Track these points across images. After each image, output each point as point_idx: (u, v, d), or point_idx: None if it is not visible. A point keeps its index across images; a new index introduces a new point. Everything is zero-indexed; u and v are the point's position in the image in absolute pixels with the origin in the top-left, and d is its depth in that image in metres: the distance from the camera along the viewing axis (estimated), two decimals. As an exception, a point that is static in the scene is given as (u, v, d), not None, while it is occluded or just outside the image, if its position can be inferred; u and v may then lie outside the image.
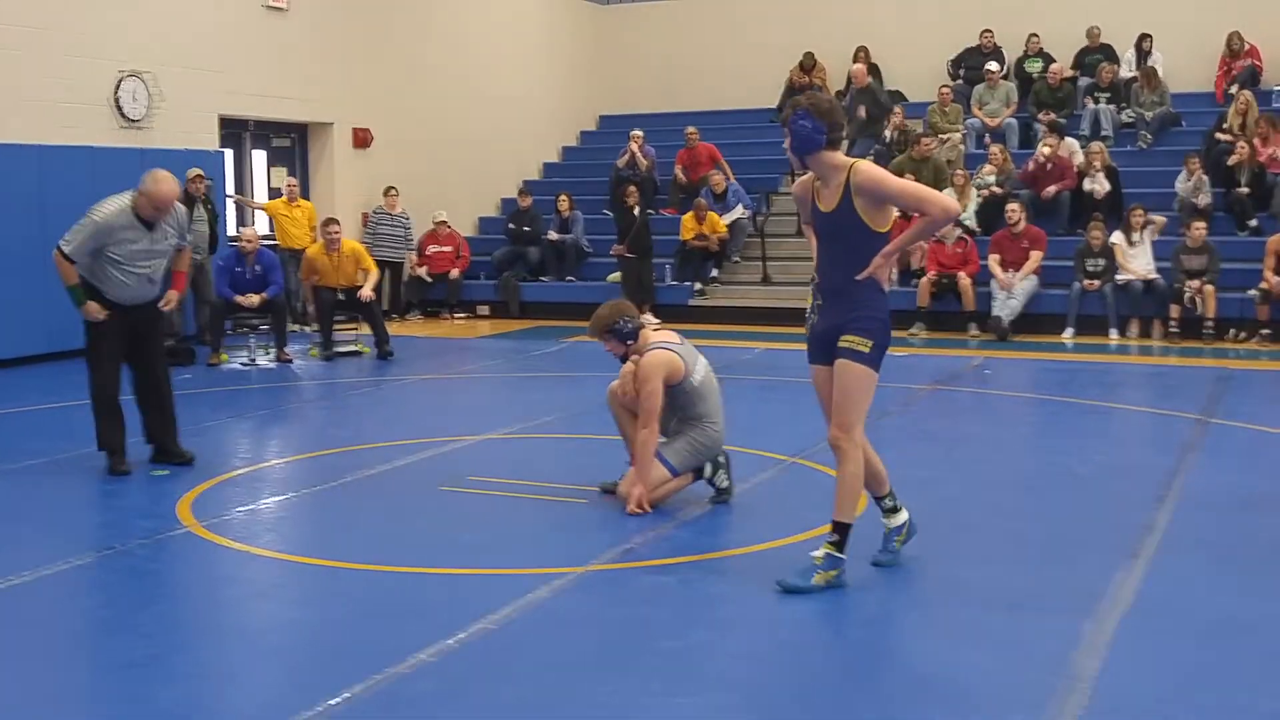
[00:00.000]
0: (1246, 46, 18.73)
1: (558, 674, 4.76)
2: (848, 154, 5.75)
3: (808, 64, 21.00)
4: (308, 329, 15.07)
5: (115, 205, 7.95)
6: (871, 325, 5.56)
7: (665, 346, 7.07)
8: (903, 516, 6.04)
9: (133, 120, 14.33)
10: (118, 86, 14.18)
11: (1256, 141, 16.16)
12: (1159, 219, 15.21)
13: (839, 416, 5.63)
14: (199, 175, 13.99)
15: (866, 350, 5.54)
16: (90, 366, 8.16)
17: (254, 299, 13.05)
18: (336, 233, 13.75)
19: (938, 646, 5.05)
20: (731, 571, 6.04)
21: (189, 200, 13.91)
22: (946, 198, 5.62)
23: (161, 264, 8.15)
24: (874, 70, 20.70)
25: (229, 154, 16.32)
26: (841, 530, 5.63)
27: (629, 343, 7.15)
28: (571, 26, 22.44)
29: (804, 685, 4.72)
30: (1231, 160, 15.91)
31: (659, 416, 6.96)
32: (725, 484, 7.21)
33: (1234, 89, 17.96)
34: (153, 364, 8.30)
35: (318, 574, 6.09)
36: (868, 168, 5.53)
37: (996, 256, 15.24)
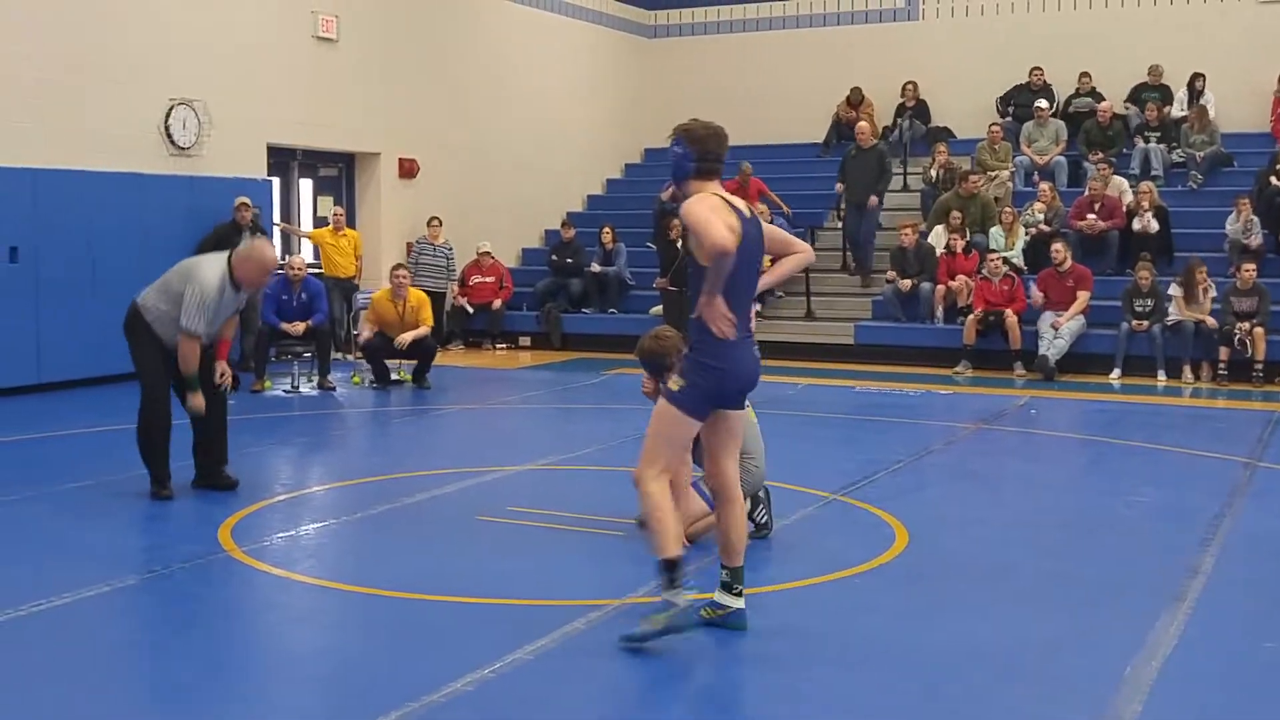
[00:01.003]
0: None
1: (593, 706, 4.74)
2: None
3: (855, 99, 21.02)
4: (350, 357, 15.11)
5: (214, 275, 7.90)
6: (690, 366, 5.33)
7: None
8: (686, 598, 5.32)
9: (182, 148, 14.46)
10: (168, 114, 14.32)
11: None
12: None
13: (642, 452, 5.43)
14: (245, 203, 14.10)
15: (675, 389, 5.31)
16: (144, 391, 8.19)
17: (299, 326, 13.12)
18: (404, 277, 13.68)
19: (979, 685, 4.99)
20: (769, 607, 5.99)
21: (236, 228, 14.04)
22: (720, 236, 5.01)
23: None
24: (921, 106, 20.74)
25: (276, 182, 16.45)
26: (664, 568, 5.29)
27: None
28: (618, 59, 22.53)
29: (842, 724, 4.67)
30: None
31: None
32: (765, 519, 7.16)
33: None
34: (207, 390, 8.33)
35: (356, 601, 6.08)
36: (693, 198, 5.26)
37: (1042, 295, 15.13)
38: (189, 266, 8.05)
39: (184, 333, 7.81)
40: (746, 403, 7.11)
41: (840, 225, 18.34)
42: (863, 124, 18.21)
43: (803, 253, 5.81)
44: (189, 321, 7.78)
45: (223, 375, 8.23)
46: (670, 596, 5.23)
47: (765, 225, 5.65)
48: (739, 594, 5.52)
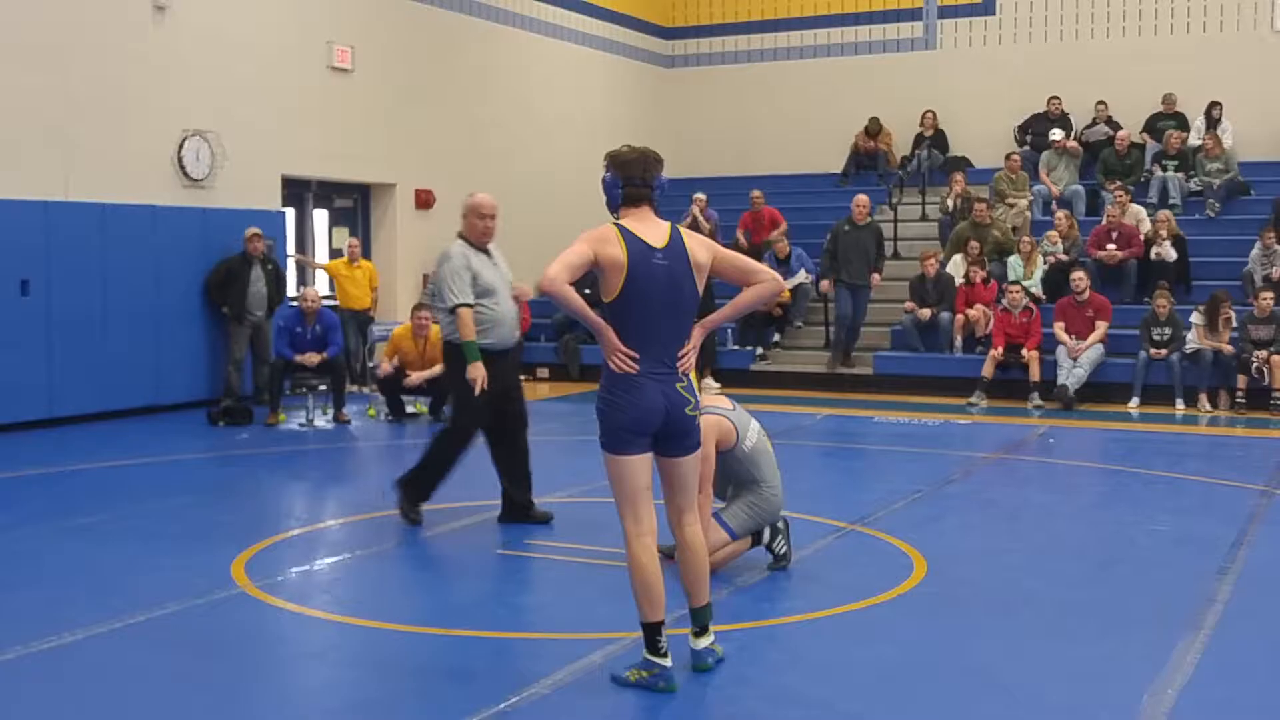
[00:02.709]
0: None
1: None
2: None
3: (873, 129, 21.07)
4: (365, 390, 15.11)
5: (452, 247, 8.07)
6: (597, 403, 5.21)
7: (716, 411, 6.98)
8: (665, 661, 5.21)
9: (195, 180, 14.51)
10: (181, 146, 14.36)
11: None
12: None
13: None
14: (257, 234, 14.14)
15: (599, 437, 5.22)
16: (459, 412, 8.18)
17: (314, 358, 13.13)
18: (425, 319, 13.65)
19: (997, 715, 4.94)
20: (788, 639, 5.97)
21: (247, 260, 14.09)
22: (548, 272, 4.96)
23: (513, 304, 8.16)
24: (939, 135, 20.76)
25: (291, 213, 16.50)
26: (644, 631, 5.17)
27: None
28: (635, 89, 22.60)
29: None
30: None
31: (713, 482, 6.89)
32: (784, 550, 7.12)
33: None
34: (517, 419, 8.33)
35: (372, 636, 6.05)
36: (586, 232, 5.20)
37: (1061, 324, 15.09)
38: (437, 261, 8.18)
39: (456, 309, 7.83)
40: (758, 430, 7.09)
41: (825, 299, 17.30)
42: (861, 198, 16.73)
43: (767, 282, 5.45)
44: (453, 296, 7.83)
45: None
46: (650, 656, 5.14)
47: (726, 254, 5.48)
48: (701, 631, 5.39)
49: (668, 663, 5.12)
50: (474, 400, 7.84)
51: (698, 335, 5.30)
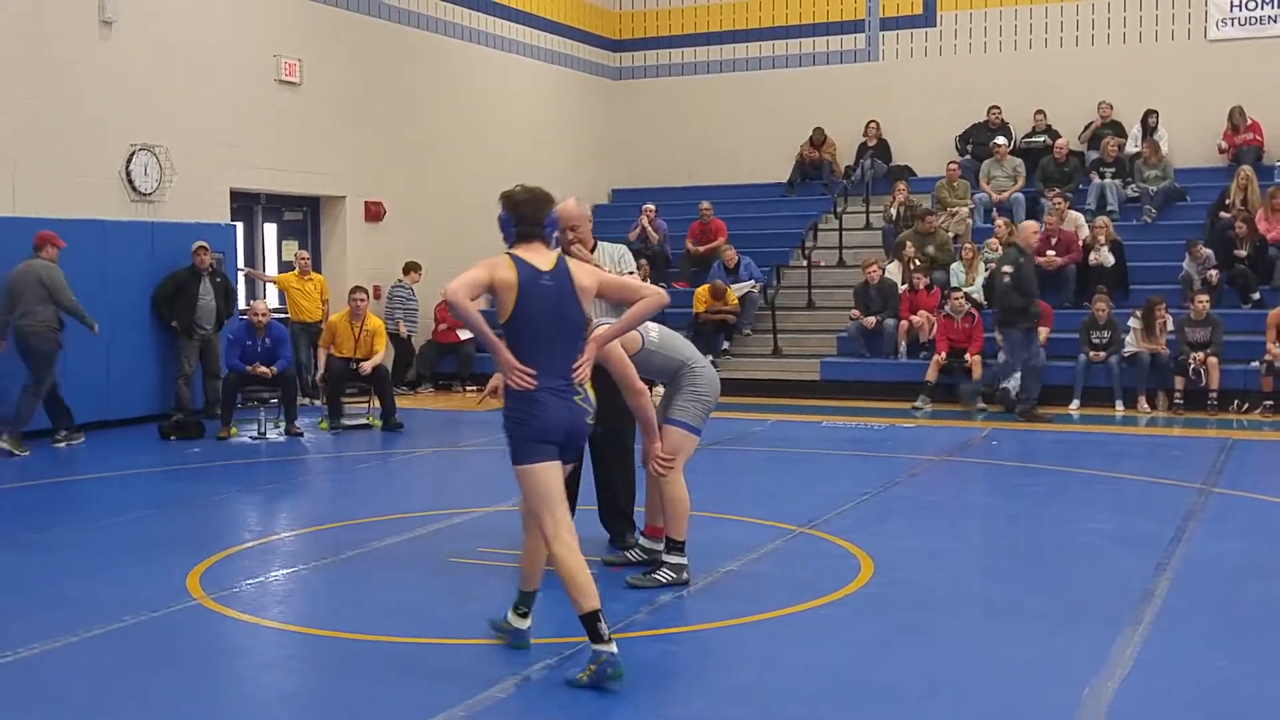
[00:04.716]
0: (1249, 122, 18.94)
1: (563, 742, 4.82)
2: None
3: (817, 139, 21.29)
4: (317, 402, 15.16)
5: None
6: (505, 426, 5.58)
7: (606, 323, 7.04)
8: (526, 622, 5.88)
9: (144, 194, 14.48)
10: (129, 160, 14.34)
11: (1259, 216, 16.33)
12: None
13: None
14: (203, 247, 14.13)
15: (510, 453, 5.56)
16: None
17: (267, 371, 13.15)
18: (362, 300, 13.84)
19: (941, 712, 5.09)
20: (739, 640, 6.10)
21: (195, 274, 14.11)
22: (454, 283, 5.46)
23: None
24: (882, 145, 21.01)
25: (240, 227, 16.50)
26: (585, 623, 5.38)
27: None
28: (585, 101, 22.72)
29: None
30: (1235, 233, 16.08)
31: (639, 381, 6.85)
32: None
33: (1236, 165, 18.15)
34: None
35: (327, 645, 6.13)
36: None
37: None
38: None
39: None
40: (657, 327, 7.04)
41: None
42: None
43: (651, 298, 5.75)
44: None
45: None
46: (595, 646, 5.33)
47: (610, 279, 5.92)
48: (524, 615, 5.89)
49: (613, 648, 5.30)
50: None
51: (591, 349, 5.70)
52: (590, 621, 5.33)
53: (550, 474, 5.50)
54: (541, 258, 5.61)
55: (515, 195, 5.70)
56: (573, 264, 5.70)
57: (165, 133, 14.67)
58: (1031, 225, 14.94)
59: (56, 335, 12.29)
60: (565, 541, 5.44)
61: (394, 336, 16.87)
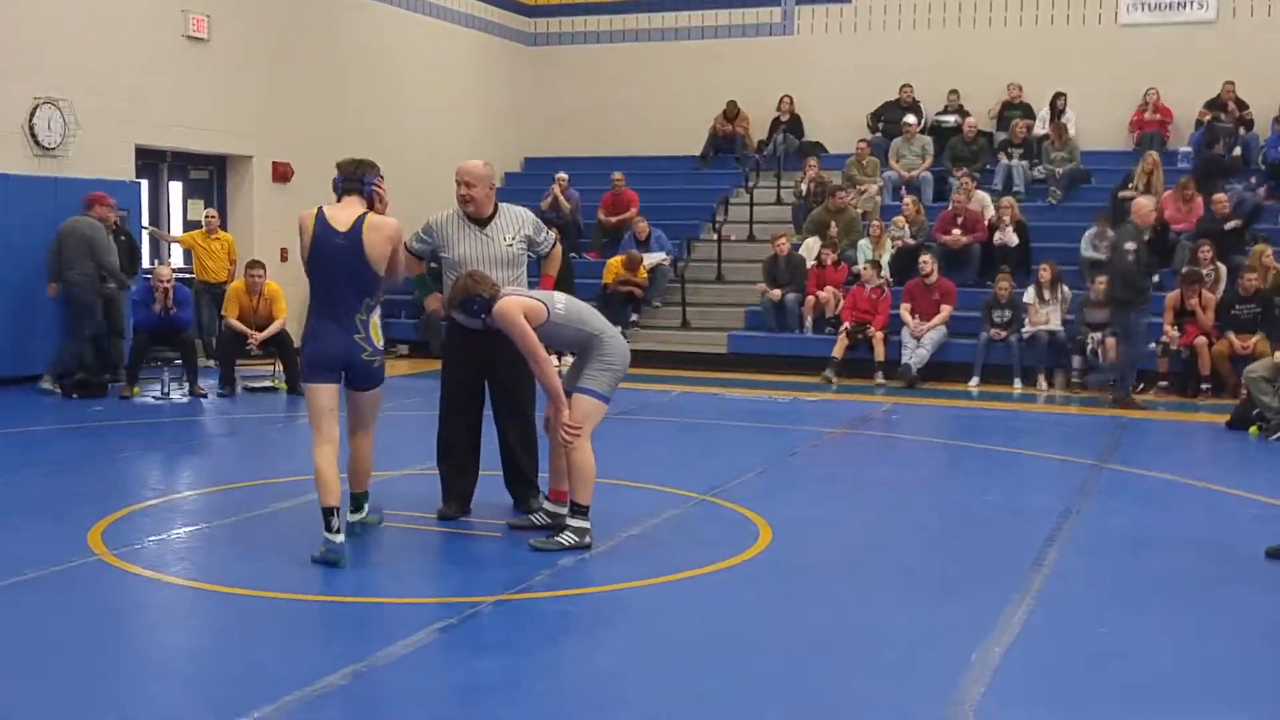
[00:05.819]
0: (1156, 103, 19.33)
1: (466, 698, 4.88)
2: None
3: (730, 112, 21.39)
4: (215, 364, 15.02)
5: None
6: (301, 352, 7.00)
7: (514, 293, 7.11)
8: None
9: (47, 149, 14.22)
10: (33, 114, 14.06)
11: (1166, 201, 16.65)
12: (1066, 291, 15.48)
13: None
14: (101, 197, 13.74)
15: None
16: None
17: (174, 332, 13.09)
18: (260, 277, 13.76)
19: (834, 674, 5.22)
20: (637, 603, 6.19)
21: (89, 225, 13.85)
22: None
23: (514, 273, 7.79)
24: (795, 120, 21.16)
25: (145, 185, 16.26)
26: (323, 514, 6.59)
27: (484, 317, 7.04)
28: (498, 68, 22.61)
29: (702, 714, 4.87)
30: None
31: (543, 351, 6.95)
32: None
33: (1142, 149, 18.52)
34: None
35: (230, 601, 6.13)
36: None
37: (908, 305, 15.58)
38: None
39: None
40: (564, 298, 7.16)
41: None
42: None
43: (400, 274, 7.16)
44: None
45: None
46: (326, 534, 6.49)
47: (399, 253, 6.94)
48: (357, 509, 7.25)
49: (339, 539, 6.50)
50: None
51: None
52: (325, 514, 6.47)
53: (323, 393, 6.67)
54: (345, 215, 6.64)
55: (343, 161, 6.95)
56: (369, 229, 6.59)
57: (70, 86, 14.40)
58: (1148, 203, 14.30)
59: (98, 288, 13.28)
60: (324, 451, 6.55)
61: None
